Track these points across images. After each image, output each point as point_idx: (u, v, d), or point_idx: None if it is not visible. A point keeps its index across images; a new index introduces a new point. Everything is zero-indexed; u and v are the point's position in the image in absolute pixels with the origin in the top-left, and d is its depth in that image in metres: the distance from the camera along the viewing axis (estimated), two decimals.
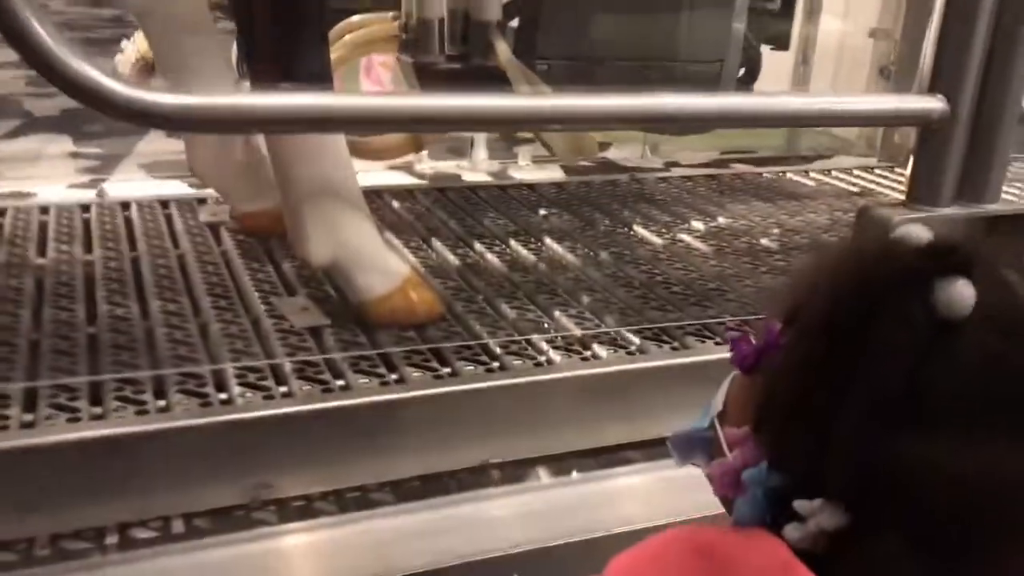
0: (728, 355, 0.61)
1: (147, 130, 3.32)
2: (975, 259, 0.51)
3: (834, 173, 2.49)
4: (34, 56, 0.97)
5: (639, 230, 1.94)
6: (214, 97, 1.06)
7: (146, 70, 2.34)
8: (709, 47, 1.68)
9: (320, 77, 1.29)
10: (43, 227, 1.75)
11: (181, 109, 1.04)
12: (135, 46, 2.19)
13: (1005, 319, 0.50)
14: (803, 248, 1.87)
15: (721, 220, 2.04)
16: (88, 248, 1.67)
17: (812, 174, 2.48)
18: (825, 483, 0.51)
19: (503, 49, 1.54)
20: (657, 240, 1.89)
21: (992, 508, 0.49)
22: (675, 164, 4.16)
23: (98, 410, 1.13)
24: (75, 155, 3.71)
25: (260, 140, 1.56)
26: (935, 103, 1.40)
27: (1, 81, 4.64)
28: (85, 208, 1.87)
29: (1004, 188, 1.51)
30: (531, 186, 2.22)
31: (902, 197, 1.50)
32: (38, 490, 1.06)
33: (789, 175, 2.48)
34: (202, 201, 1.92)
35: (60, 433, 1.07)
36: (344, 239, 1.36)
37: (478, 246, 1.79)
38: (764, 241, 1.92)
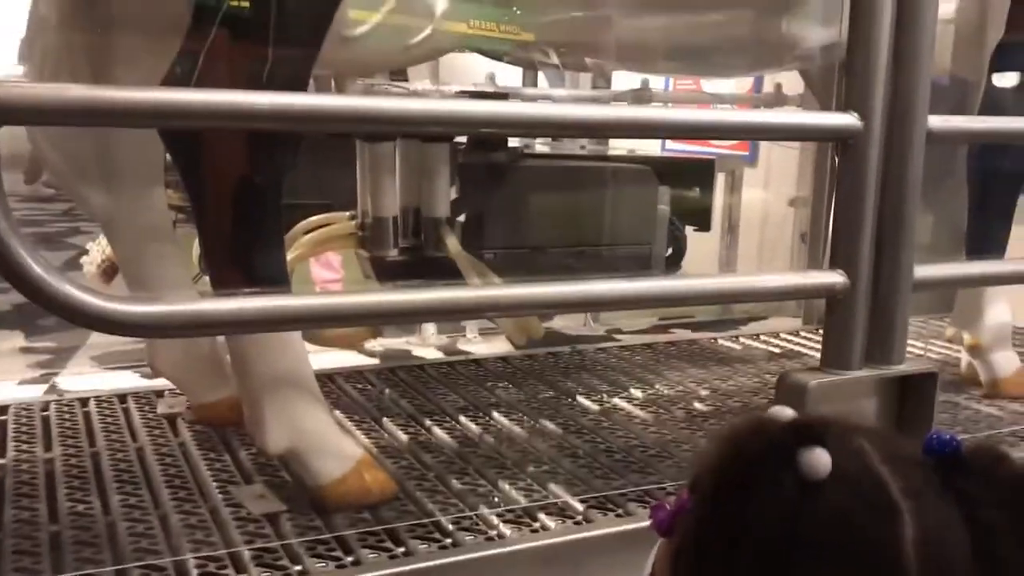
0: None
1: None
2: (829, 431, 0.61)
3: (763, 337, 2.64)
4: (12, 273, 1.06)
5: (581, 400, 2.05)
6: (178, 305, 1.16)
7: (111, 271, 2.45)
8: (638, 232, 1.84)
9: (277, 278, 1.40)
10: (2, 426, 1.80)
11: (149, 317, 1.13)
12: (100, 248, 2.30)
13: (855, 479, 0.60)
14: (735, 411, 1.98)
15: (658, 387, 2.16)
16: (48, 446, 1.71)
17: (742, 339, 2.63)
18: None
19: (452, 242, 1.68)
20: (598, 409, 1.99)
21: None
22: (617, 331, 4.32)
23: None
24: (26, 350, 3.76)
25: None
26: (836, 277, 1.55)
27: None
28: (44, 407, 1.91)
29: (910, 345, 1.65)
30: (478, 361, 2.32)
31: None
32: None
33: (720, 341, 2.62)
34: (159, 394, 1.98)
35: None
36: (300, 427, 1.43)
37: (428, 423, 1.87)
38: (698, 406, 2.03)
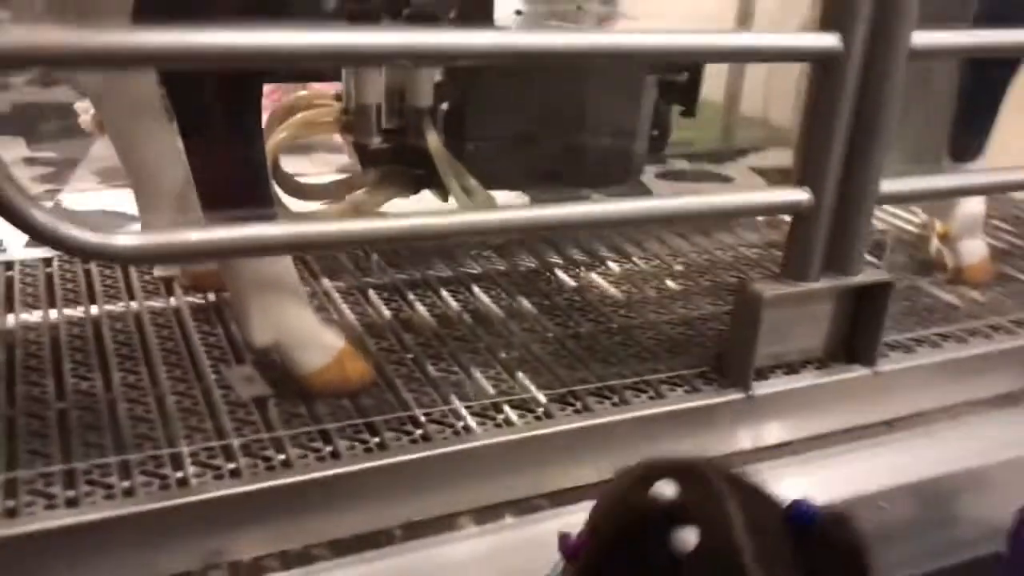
0: None
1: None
2: (703, 508, 0.71)
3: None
4: (9, 214, 1.13)
5: (559, 273, 2.14)
6: (166, 235, 1.23)
7: None
8: (624, 117, 1.85)
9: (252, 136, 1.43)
10: (8, 286, 1.91)
11: (138, 249, 1.21)
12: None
13: (716, 550, 0.70)
14: (704, 293, 2.07)
15: (635, 259, 2.24)
16: (52, 304, 1.83)
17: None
18: None
19: (433, 139, 1.71)
20: (574, 285, 2.09)
21: None
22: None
23: (72, 494, 1.31)
24: (30, 160, 3.80)
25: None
26: (802, 195, 1.60)
27: None
28: (47, 262, 2.01)
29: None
30: None
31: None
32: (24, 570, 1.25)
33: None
34: None
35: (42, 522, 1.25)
36: (283, 322, 1.54)
37: (411, 296, 1.97)
38: (670, 283, 2.12)
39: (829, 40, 1.48)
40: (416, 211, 1.43)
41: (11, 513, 1.27)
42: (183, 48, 1.12)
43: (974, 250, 2.19)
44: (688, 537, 0.69)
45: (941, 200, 2.15)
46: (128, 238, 1.21)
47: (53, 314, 1.81)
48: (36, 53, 1.03)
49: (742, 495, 0.75)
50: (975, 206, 2.17)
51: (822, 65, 1.51)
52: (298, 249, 1.52)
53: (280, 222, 1.41)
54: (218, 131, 1.39)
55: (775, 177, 4.37)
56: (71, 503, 1.30)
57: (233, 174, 1.41)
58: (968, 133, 2.11)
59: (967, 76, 2.06)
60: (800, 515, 0.73)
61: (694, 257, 2.29)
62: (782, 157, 4.48)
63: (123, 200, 2.56)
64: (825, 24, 1.50)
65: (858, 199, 1.62)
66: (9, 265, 1.99)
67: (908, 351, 1.88)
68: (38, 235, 1.16)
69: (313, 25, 1.21)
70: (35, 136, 4.00)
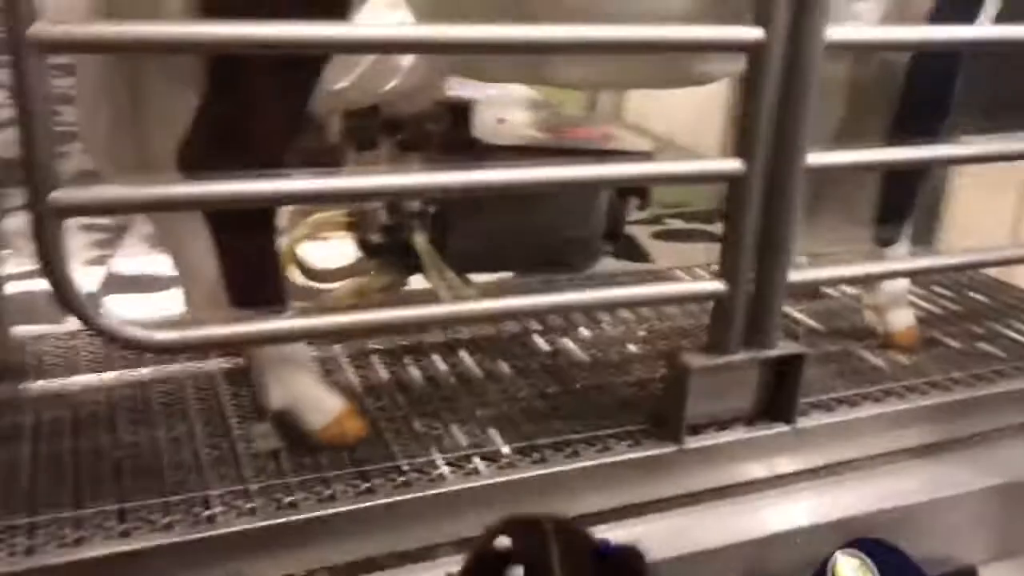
0: None
1: None
2: (528, 554, 1.04)
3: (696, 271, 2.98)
4: (72, 309, 1.51)
5: (536, 339, 2.49)
6: (190, 331, 1.60)
7: None
8: (581, 217, 2.21)
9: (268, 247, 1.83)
10: (74, 351, 2.30)
11: (172, 342, 1.59)
12: None
13: None
14: (658, 356, 2.39)
15: (604, 324, 2.59)
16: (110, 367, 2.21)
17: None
18: None
19: (420, 241, 2.08)
20: (548, 350, 2.43)
21: None
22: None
23: (124, 527, 1.68)
24: (88, 227, 4.25)
25: None
26: (720, 285, 1.94)
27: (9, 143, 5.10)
28: None
29: None
30: None
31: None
32: None
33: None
34: None
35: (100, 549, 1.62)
36: (294, 389, 1.90)
37: (406, 360, 2.33)
38: (632, 348, 2.46)
39: (733, 165, 1.83)
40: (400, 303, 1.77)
41: (78, 542, 1.64)
42: (219, 196, 1.51)
43: (900, 319, 2.50)
44: (516, 572, 1.01)
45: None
46: (167, 334, 1.58)
47: (111, 375, 2.20)
48: (113, 203, 1.42)
49: (564, 539, 1.07)
50: (899, 281, 2.49)
51: (729, 187, 1.85)
52: (310, 337, 1.88)
53: (291, 317, 1.78)
54: (241, 238, 1.76)
55: None
56: (124, 535, 1.66)
57: (254, 272, 1.78)
58: (887, 224, 2.42)
59: (886, 179, 2.39)
60: (603, 550, 1.06)
61: (657, 325, 2.62)
62: None
63: (165, 264, 2.96)
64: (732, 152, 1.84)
65: (769, 288, 1.95)
66: (74, 335, 2.39)
67: (828, 410, 2.20)
68: (98, 331, 1.54)
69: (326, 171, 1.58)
70: None
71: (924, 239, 2.77)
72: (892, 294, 2.48)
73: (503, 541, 1.07)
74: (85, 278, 3.80)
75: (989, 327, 2.69)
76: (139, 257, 3.84)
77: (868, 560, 1.22)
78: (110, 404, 2.08)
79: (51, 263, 1.45)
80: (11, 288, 2.28)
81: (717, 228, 4.58)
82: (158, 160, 1.92)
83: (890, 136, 2.33)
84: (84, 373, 2.20)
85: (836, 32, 1.83)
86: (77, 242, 3.98)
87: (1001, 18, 2.24)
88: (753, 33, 1.79)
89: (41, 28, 1.32)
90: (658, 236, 4.42)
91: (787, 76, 1.82)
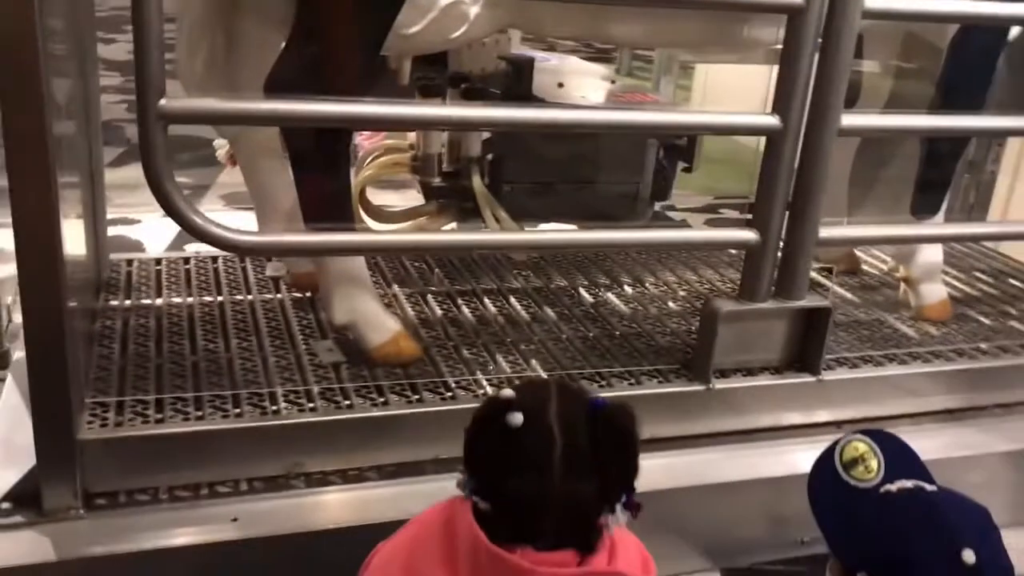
0: None
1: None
2: (528, 401, 1.19)
3: None
4: (177, 217, 1.72)
5: (582, 292, 2.65)
6: (277, 237, 1.80)
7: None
8: (631, 172, 2.37)
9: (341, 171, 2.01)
10: (158, 275, 2.53)
11: (260, 244, 1.79)
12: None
13: (533, 423, 1.17)
14: (696, 312, 2.54)
15: (648, 284, 2.74)
16: (190, 293, 2.44)
17: None
18: None
19: (476, 180, 2.26)
20: (591, 301, 2.59)
21: None
22: (671, 208, 4.80)
23: (200, 413, 1.88)
24: None
25: None
26: (752, 235, 2.07)
27: (104, 106, 5.37)
28: (187, 260, 2.63)
29: None
30: None
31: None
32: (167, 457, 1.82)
33: None
34: (267, 258, 2.67)
35: (178, 427, 1.83)
36: (355, 307, 2.09)
37: (460, 301, 2.51)
38: (671, 304, 2.60)
39: (770, 121, 1.97)
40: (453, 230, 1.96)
41: (159, 421, 1.85)
42: (299, 114, 1.70)
43: (933, 292, 2.61)
44: (516, 418, 1.17)
45: (890, 246, 2.58)
46: (253, 236, 1.78)
47: (190, 299, 2.42)
48: (210, 113, 1.62)
49: (563, 396, 1.22)
50: (933, 255, 2.59)
51: (765, 142, 2.00)
52: (370, 252, 2.07)
53: (357, 232, 1.97)
54: (318, 167, 1.96)
55: None
56: (199, 418, 1.87)
57: (326, 197, 1.98)
58: (925, 195, 2.53)
59: (925, 149, 2.50)
60: (594, 403, 1.21)
61: (697, 287, 2.76)
62: None
63: (242, 220, 3.20)
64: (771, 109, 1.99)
65: (800, 241, 2.09)
66: (158, 261, 2.62)
67: (853, 367, 2.32)
68: (197, 234, 1.74)
69: (392, 101, 1.77)
70: (174, 163, 4.70)
71: None
72: (926, 267, 2.59)
73: (503, 393, 1.21)
74: (167, 231, 4.07)
75: (1023, 308, 2.78)
76: (218, 213, 4.08)
77: (874, 445, 1.34)
78: (190, 319, 2.30)
79: (155, 168, 1.65)
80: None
81: None
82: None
83: (932, 105, 2.44)
84: (167, 295, 2.42)
85: (848, 119, 1.97)
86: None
87: None
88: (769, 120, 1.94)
89: None
90: (709, 223, 4.54)
91: (824, 38, 1.95)
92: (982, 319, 2.68)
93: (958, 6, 2.10)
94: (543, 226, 2.47)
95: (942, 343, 2.48)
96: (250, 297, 2.45)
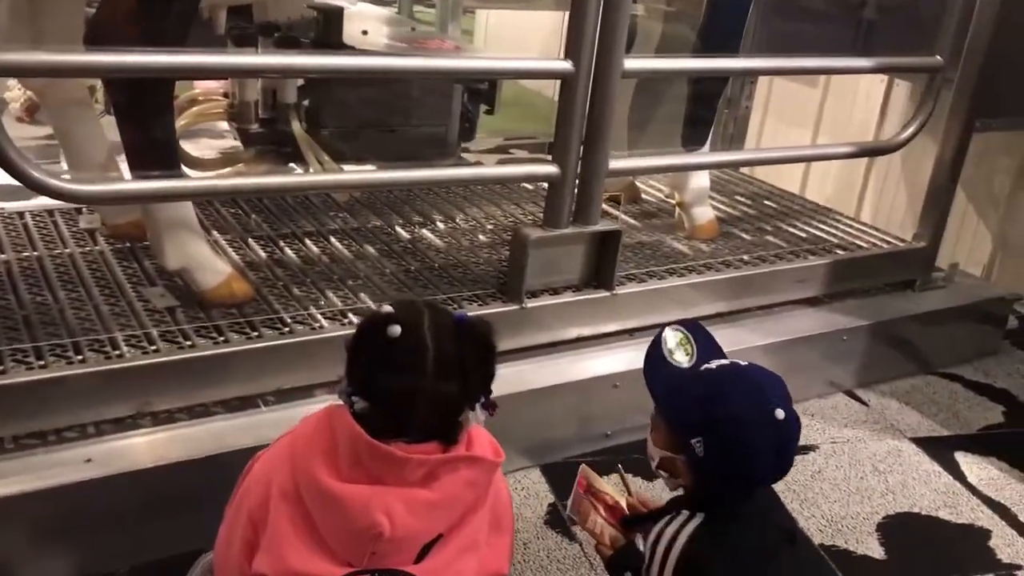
0: None
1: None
2: (407, 316, 1.37)
3: None
4: (11, 169, 1.74)
5: (399, 230, 2.83)
6: (109, 186, 1.86)
7: (32, 108, 2.98)
8: (439, 115, 2.56)
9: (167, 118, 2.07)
10: None
11: (93, 193, 1.84)
12: (21, 90, 2.85)
13: (409, 334, 1.36)
14: (503, 243, 2.79)
15: (458, 219, 2.96)
16: (1, 250, 2.41)
17: None
18: None
19: (296, 126, 2.38)
20: (408, 237, 2.78)
21: None
22: (465, 150, 5.02)
23: (42, 362, 1.92)
24: None
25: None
26: (553, 168, 2.33)
27: None
28: None
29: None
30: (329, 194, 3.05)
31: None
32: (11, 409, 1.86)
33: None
34: (79, 210, 2.66)
35: (22, 376, 1.87)
36: (187, 251, 2.17)
37: (282, 243, 2.63)
38: (481, 237, 2.84)
39: (564, 66, 2.22)
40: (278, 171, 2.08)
41: (2, 372, 1.88)
42: (123, 65, 1.77)
43: (703, 214, 2.99)
44: (395, 329, 1.35)
45: (666, 175, 2.95)
46: (90, 186, 1.84)
47: (4, 256, 2.39)
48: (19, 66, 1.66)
49: (433, 312, 1.41)
50: (702, 181, 2.97)
51: (561, 85, 2.25)
52: (200, 196, 2.15)
53: (189, 177, 2.05)
54: (144, 118, 2.02)
55: None
56: (43, 367, 1.91)
57: (152, 146, 2.04)
58: (693, 129, 2.90)
59: (692, 89, 2.85)
60: (460, 318, 1.42)
61: (503, 222, 3.01)
62: None
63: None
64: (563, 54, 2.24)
65: (593, 173, 2.37)
66: None
67: (641, 281, 2.65)
68: (31, 184, 1.77)
69: (211, 50, 1.86)
70: None
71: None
72: (696, 191, 2.96)
73: (383, 308, 1.39)
74: None
75: (776, 225, 3.23)
76: None
77: (688, 334, 1.59)
78: (8, 274, 2.28)
79: None
80: None
81: None
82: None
83: (694, 50, 2.79)
84: None
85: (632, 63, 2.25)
86: None
87: None
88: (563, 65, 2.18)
89: None
90: (502, 162, 4.80)
91: None
92: (743, 235, 3.10)
93: None
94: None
95: (711, 257, 2.87)
96: (68, 250, 2.45)
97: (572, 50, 2.23)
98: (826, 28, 3.66)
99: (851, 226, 3.29)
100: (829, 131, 4.32)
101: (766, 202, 3.47)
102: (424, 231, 2.85)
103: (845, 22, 3.65)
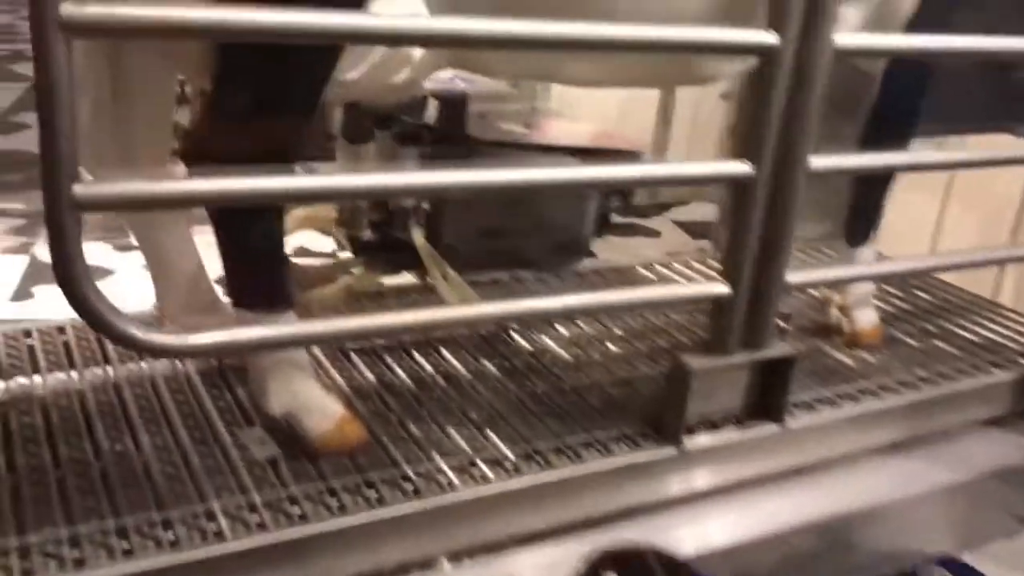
0: None
1: None
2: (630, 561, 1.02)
3: (675, 266, 3.02)
4: (87, 314, 1.40)
5: (516, 337, 2.46)
6: (198, 339, 1.51)
7: None
8: (575, 217, 2.20)
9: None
10: (31, 351, 2.14)
11: (183, 347, 1.49)
12: None
13: None
14: (640, 356, 2.40)
15: (580, 323, 2.57)
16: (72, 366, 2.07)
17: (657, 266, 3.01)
18: None
19: (417, 235, 2.02)
20: (530, 349, 2.41)
21: None
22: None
23: (127, 546, 1.57)
24: (1, 212, 3.98)
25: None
26: (723, 288, 1.95)
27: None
28: (62, 330, 2.25)
29: None
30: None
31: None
32: None
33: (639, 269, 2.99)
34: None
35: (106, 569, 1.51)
36: (295, 395, 1.82)
37: (388, 359, 2.26)
38: (611, 346, 2.46)
39: (741, 168, 1.84)
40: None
41: (78, 563, 1.52)
42: (225, 193, 1.42)
43: (867, 318, 2.58)
44: None
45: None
46: (178, 339, 1.49)
47: (75, 375, 2.05)
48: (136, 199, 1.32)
49: (669, 571, 1.06)
50: (866, 284, 2.56)
51: (734, 190, 1.87)
52: (317, 342, 1.80)
53: (301, 322, 1.69)
54: (253, 246, 1.67)
55: (696, 229, 4.80)
56: (127, 553, 1.56)
57: (264, 281, 1.69)
58: (859, 222, 2.50)
59: (859, 183, 2.46)
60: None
61: (630, 322, 2.63)
62: (702, 211, 4.91)
63: (94, 252, 2.79)
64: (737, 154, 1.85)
65: (769, 290, 1.98)
66: (28, 332, 2.22)
67: (811, 409, 2.24)
68: (111, 335, 1.43)
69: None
70: (2, 187, 4.15)
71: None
72: (860, 294, 2.56)
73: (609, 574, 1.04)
74: (7, 268, 3.57)
75: (940, 325, 2.81)
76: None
77: None
78: (83, 408, 1.95)
79: (67, 260, 1.33)
80: None
81: (651, 222, 4.64)
82: (140, 153, 1.83)
83: (862, 142, 2.40)
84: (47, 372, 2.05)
85: (845, 39, 1.86)
86: None
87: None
88: (768, 37, 1.80)
89: (70, 8, 1.21)
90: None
91: (796, 81, 1.83)
92: (910, 341, 2.68)
93: (927, 42, 2.03)
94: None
95: (884, 374, 2.46)
96: (147, 367, 2.11)
97: (751, 148, 1.85)
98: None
99: None
100: (962, 197, 3.91)
101: (919, 294, 3.04)
102: (544, 337, 2.48)
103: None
